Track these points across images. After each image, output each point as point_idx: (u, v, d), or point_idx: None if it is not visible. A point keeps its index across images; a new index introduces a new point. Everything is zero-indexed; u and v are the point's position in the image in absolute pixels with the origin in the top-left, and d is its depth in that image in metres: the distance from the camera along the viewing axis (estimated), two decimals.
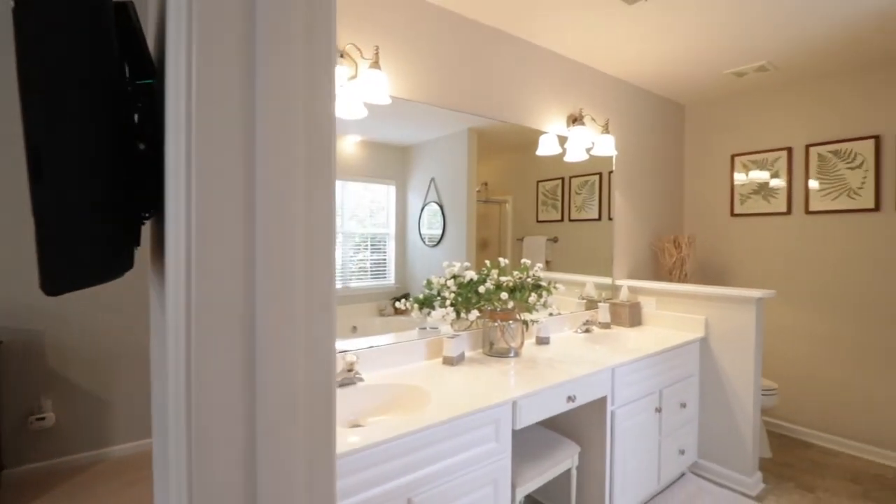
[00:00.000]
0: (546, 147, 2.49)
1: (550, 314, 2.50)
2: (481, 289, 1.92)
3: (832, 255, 2.83)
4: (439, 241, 2.06)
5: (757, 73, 2.83)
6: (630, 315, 2.67)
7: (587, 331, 2.52)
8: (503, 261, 2.13)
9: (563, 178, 2.62)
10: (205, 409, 0.48)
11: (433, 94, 2.02)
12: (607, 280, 2.88)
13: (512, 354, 1.99)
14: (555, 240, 2.58)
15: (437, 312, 1.82)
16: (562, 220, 2.62)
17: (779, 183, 3.06)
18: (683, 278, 3.10)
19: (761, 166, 3.15)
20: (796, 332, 2.99)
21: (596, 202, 2.81)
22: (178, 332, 0.48)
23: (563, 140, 2.57)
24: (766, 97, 3.12)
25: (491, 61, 2.24)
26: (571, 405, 1.71)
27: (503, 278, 2.03)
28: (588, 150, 2.66)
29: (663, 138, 3.36)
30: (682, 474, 2.46)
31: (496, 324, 2.00)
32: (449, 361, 1.84)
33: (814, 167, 2.91)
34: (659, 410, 2.17)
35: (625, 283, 2.82)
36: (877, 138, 2.66)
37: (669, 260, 3.11)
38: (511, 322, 1.99)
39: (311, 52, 0.52)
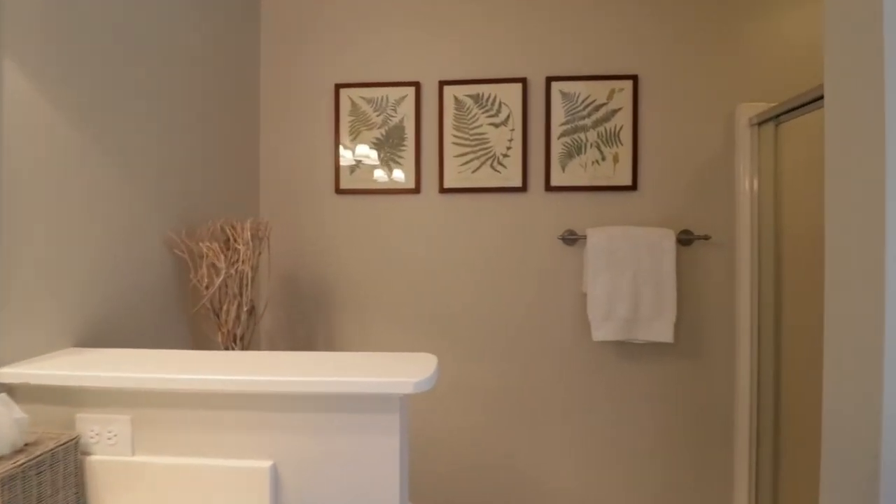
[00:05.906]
0: None
1: None
2: None
3: (477, 260, 1.83)
4: None
5: None
6: None
7: None
8: None
9: None
10: None
11: None
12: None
13: None
14: None
15: None
16: None
17: (403, 139, 1.86)
18: (244, 330, 1.39)
19: (379, 108, 1.87)
20: (440, 404, 1.84)
21: None
22: None
23: None
24: None
25: None
26: None
27: None
28: None
29: (219, 37, 1.55)
30: None
31: None
32: None
33: (450, 117, 1.84)
34: None
35: (19, 374, 0.83)
36: (523, 81, 1.80)
37: (214, 279, 1.34)
38: None
39: None
